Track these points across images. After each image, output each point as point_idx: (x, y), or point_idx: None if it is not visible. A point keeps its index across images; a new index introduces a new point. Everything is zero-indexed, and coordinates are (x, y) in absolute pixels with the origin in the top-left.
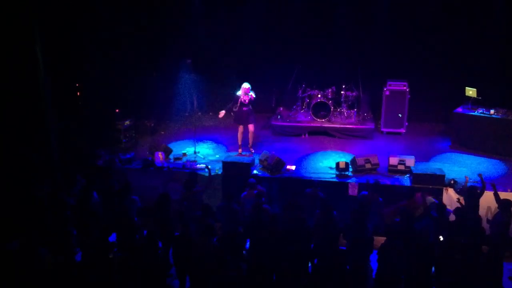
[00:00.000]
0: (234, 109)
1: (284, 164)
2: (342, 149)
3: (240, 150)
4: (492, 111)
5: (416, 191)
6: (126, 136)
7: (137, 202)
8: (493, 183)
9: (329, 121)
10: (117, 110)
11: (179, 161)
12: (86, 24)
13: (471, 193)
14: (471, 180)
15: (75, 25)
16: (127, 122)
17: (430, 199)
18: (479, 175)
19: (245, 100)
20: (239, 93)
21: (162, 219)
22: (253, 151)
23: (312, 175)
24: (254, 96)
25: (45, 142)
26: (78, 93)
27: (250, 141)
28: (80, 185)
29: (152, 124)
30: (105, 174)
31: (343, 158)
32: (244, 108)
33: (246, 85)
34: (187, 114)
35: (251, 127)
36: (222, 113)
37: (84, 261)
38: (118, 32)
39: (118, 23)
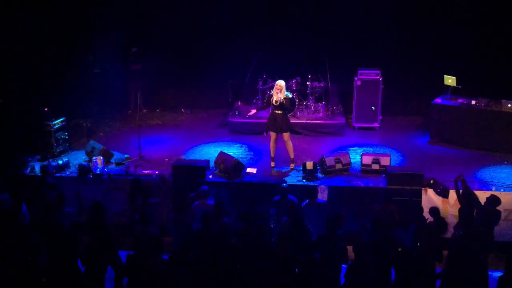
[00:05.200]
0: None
1: (244, 167)
2: (310, 147)
3: (272, 164)
4: (473, 102)
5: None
6: (58, 139)
7: (73, 215)
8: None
9: (294, 116)
10: (46, 109)
11: (122, 167)
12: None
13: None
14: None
15: None
16: (58, 123)
17: None
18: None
19: (276, 102)
20: (272, 92)
21: (98, 233)
22: (293, 167)
23: (276, 179)
24: (290, 97)
25: None
26: None
27: (291, 154)
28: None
29: (89, 124)
30: (34, 184)
31: (311, 158)
32: (277, 112)
33: (278, 83)
34: (130, 111)
35: (285, 136)
36: (252, 111)
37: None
38: (45, 16)
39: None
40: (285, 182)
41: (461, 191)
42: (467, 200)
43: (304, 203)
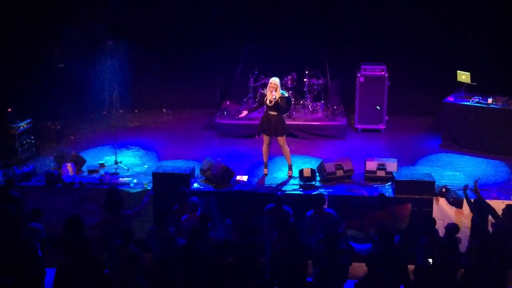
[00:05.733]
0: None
1: (234, 174)
2: (307, 152)
3: (265, 171)
4: (490, 100)
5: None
6: (23, 143)
7: (42, 232)
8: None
9: (289, 117)
10: (9, 109)
11: (95, 175)
12: None
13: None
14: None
15: None
16: (23, 125)
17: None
18: (475, 182)
19: (270, 102)
20: (266, 91)
21: (75, 250)
22: (291, 174)
23: (269, 187)
24: (285, 96)
25: None
26: None
27: (288, 160)
28: None
29: (58, 127)
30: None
31: (309, 164)
32: (271, 113)
33: (273, 81)
34: (105, 112)
35: (281, 140)
36: (244, 113)
37: None
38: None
39: None
40: (280, 190)
41: (473, 200)
42: (479, 209)
43: (309, 213)
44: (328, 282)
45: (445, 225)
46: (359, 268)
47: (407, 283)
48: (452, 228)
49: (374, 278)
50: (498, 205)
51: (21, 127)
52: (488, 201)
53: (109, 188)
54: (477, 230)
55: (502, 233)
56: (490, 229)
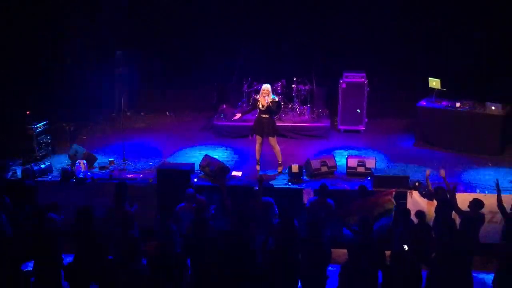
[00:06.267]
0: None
1: (229, 170)
2: (295, 150)
3: (257, 167)
4: (458, 104)
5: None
6: (40, 143)
7: (56, 222)
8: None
9: (279, 119)
10: (28, 112)
11: (105, 171)
12: None
13: (438, 196)
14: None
15: None
16: (40, 126)
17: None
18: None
19: (263, 106)
20: (259, 96)
21: (86, 241)
22: (281, 170)
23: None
24: (276, 100)
25: None
26: None
27: (278, 158)
28: None
29: (72, 128)
30: (20, 189)
31: (297, 161)
32: (263, 116)
33: (265, 87)
34: (114, 114)
35: (272, 140)
36: (238, 115)
37: None
38: (24, 19)
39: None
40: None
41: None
42: (440, 197)
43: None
44: (312, 265)
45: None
46: (343, 254)
47: (384, 268)
48: (420, 213)
49: (355, 264)
50: (465, 197)
51: (38, 128)
52: (456, 194)
53: (118, 182)
54: (441, 220)
55: (468, 223)
56: (457, 220)
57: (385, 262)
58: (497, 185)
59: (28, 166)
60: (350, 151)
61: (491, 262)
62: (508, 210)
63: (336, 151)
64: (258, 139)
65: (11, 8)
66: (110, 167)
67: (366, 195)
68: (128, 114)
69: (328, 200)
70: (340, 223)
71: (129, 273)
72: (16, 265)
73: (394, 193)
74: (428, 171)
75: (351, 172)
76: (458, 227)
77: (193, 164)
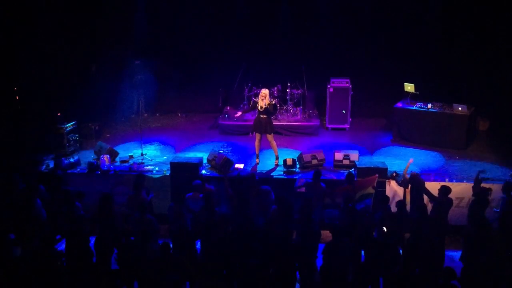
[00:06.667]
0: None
1: (233, 163)
2: (290, 146)
3: (257, 160)
4: (429, 105)
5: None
6: (70, 140)
7: (80, 209)
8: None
9: (275, 119)
10: (58, 114)
11: (126, 164)
12: (22, 24)
13: (413, 181)
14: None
15: (9, 26)
16: (69, 126)
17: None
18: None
19: (261, 108)
20: (258, 99)
21: (107, 223)
22: (277, 163)
23: (260, 173)
24: (273, 103)
25: None
26: (17, 97)
27: (275, 152)
28: (18, 187)
29: (97, 127)
30: (54, 180)
31: (291, 155)
32: (262, 116)
33: (263, 91)
34: (133, 116)
35: (269, 137)
36: (239, 113)
37: (27, 268)
38: (58, 34)
39: (57, 22)
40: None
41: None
42: (414, 182)
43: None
44: (306, 244)
45: (394, 201)
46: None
47: (366, 247)
48: (401, 203)
49: (338, 244)
50: (435, 185)
51: (68, 128)
52: (428, 183)
53: (137, 174)
54: (415, 205)
55: (439, 208)
56: (429, 205)
57: (367, 242)
58: (478, 175)
59: (59, 159)
60: (337, 146)
61: (458, 241)
62: (470, 196)
63: (325, 146)
64: (257, 136)
65: (49, 24)
66: (130, 161)
67: (353, 182)
68: (146, 115)
69: (321, 184)
70: (328, 201)
71: (146, 251)
72: (50, 245)
73: (376, 179)
74: (411, 160)
75: (337, 164)
76: (430, 212)
77: (201, 158)
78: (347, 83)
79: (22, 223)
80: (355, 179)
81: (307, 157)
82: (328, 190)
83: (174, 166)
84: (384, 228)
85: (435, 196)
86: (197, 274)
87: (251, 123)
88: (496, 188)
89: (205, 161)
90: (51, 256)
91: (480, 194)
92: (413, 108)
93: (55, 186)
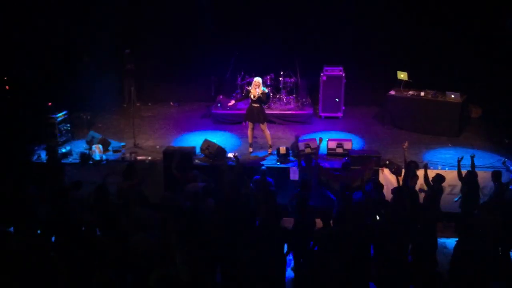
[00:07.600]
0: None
1: (226, 152)
2: (282, 134)
3: (250, 149)
4: (422, 93)
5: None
6: (61, 130)
7: (76, 200)
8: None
9: (268, 107)
10: (49, 103)
11: (118, 153)
12: (12, 14)
13: (409, 168)
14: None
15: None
16: (61, 116)
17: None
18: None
19: (254, 96)
20: (250, 88)
21: (103, 213)
22: (271, 151)
23: (253, 162)
24: (266, 92)
25: None
26: (7, 87)
27: (268, 141)
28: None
29: (89, 117)
30: (50, 170)
31: (284, 143)
32: (255, 105)
33: (256, 80)
34: (125, 105)
35: (263, 126)
36: (232, 102)
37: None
38: (49, 23)
39: (48, 12)
40: (263, 165)
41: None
42: (410, 169)
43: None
44: (301, 231)
45: (387, 189)
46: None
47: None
48: (397, 190)
49: (327, 231)
50: (429, 173)
51: (59, 117)
52: (420, 170)
53: (128, 163)
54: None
55: (432, 195)
56: (422, 194)
57: (362, 230)
58: (459, 162)
59: (51, 147)
60: (330, 134)
61: (451, 228)
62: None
63: (318, 134)
64: (250, 125)
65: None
66: (122, 150)
67: (348, 171)
68: (138, 104)
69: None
70: (324, 189)
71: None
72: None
73: (373, 165)
74: (406, 143)
75: (331, 153)
76: (422, 199)
77: (194, 147)
78: (340, 71)
79: (16, 215)
80: (351, 169)
81: (300, 146)
82: (323, 171)
83: (167, 155)
84: (377, 217)
85: (430, 184)
86: None
87: (244, 112)
88: (487, 175)
89: (198, 150)
90: (46, 249)
91: (467, 180)
92: (406, 96)
93: (54, 177)
